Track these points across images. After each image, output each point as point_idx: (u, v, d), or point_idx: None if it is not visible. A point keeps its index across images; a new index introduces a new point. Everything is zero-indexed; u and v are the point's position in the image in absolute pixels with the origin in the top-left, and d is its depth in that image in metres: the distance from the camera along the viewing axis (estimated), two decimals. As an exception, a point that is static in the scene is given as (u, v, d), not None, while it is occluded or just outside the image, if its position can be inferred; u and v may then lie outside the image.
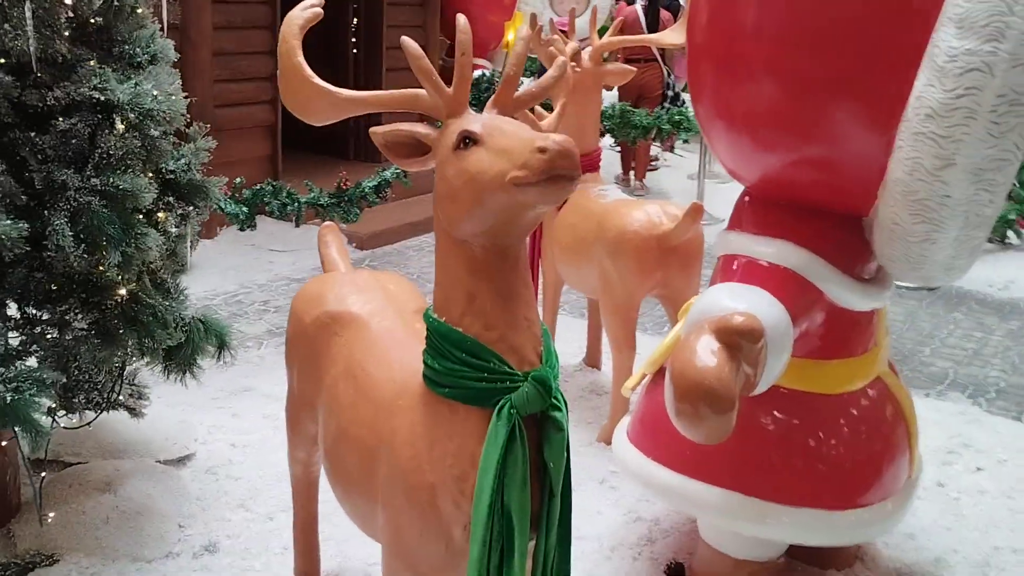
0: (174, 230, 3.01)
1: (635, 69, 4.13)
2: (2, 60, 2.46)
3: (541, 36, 3.64)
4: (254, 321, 5.29)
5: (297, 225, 4.43)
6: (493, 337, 1.77)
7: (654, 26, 8.51)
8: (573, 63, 3.69)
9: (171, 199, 2.89)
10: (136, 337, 2.74)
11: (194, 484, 3.38)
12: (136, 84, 2.66)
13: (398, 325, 2.28)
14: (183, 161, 2.88)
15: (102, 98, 2.60)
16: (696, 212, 3.37)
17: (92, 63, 2.67)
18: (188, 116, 2.89)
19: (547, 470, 1.79)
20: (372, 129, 1.88)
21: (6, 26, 2.46)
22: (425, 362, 1.86)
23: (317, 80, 1.93)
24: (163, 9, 4.84)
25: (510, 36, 8.59)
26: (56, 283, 2.65)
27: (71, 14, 2.59)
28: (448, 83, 1.83)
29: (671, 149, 6.18)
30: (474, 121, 1.77)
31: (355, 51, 8.27)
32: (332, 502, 2.37)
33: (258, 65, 7.14)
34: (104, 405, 2.97)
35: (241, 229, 4.17)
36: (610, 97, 7.93)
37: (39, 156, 2.55)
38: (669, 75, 8.61)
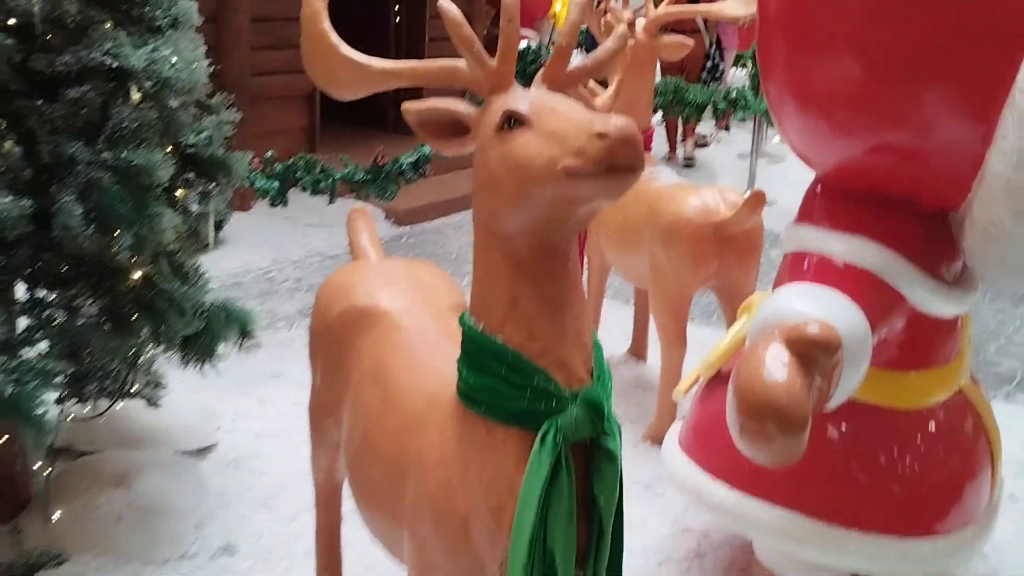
0: (195, 207, 2.81)
1: (692, 42, 3.84)
2: (5, 21, 2.25)
3: (594, 3, 3.37)
4: (286, 300, 5.09)
5: (332, 201, 4.21)
6: (537, 349, 1.54)
7: None
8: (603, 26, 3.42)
9: (191, 176, 2.68)
10: (151, 324, 2.54)
11: (214, 478, 3.19)
12: (154, 50, 2.45)
13: (431, 324, 2.06)
14: (204, 135, 2.67)
15: (116, 64, 2.39)
16: (758, 200, 3.11)
17: (106, 26, 2.45)
18: (213, 85, 2.67)
19: (596, 505, 1.56)
20: (405, 105, 1.65)
21: (9, -17, 2.26)
22: (460, 373, 1.63)
23: (345, 49, 1.70)
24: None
25: (558, 7, 8.29)
26: (64, 265, 2.45)
27: (83, -29, 2.38)
28: (493, 55, 1.60)
29: (727, 128, 5.88)
30: (521, 99, 1.53)
31: (397, 19, 8.02)
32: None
33: (298, 32, 6.88)
34: (118, 394, 2.78)
35: (272, 204, 3.97)
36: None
37: (47, 127, 2.35)
38: (711, 47, 8.28)
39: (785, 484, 2.35)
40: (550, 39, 9.06)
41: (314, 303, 2.34)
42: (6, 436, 2.66)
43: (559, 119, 1.44)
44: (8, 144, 2.28)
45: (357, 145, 7.37)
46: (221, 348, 2.85)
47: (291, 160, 4.02)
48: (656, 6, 3.74)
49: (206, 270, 2.79)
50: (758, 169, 7.29)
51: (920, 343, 2.34)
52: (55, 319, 2.53)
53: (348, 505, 2.54)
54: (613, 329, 4.51)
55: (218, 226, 5.03)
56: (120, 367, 2.72)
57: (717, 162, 8.84)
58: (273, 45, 6.72)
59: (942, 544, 2.34)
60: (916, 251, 2.24)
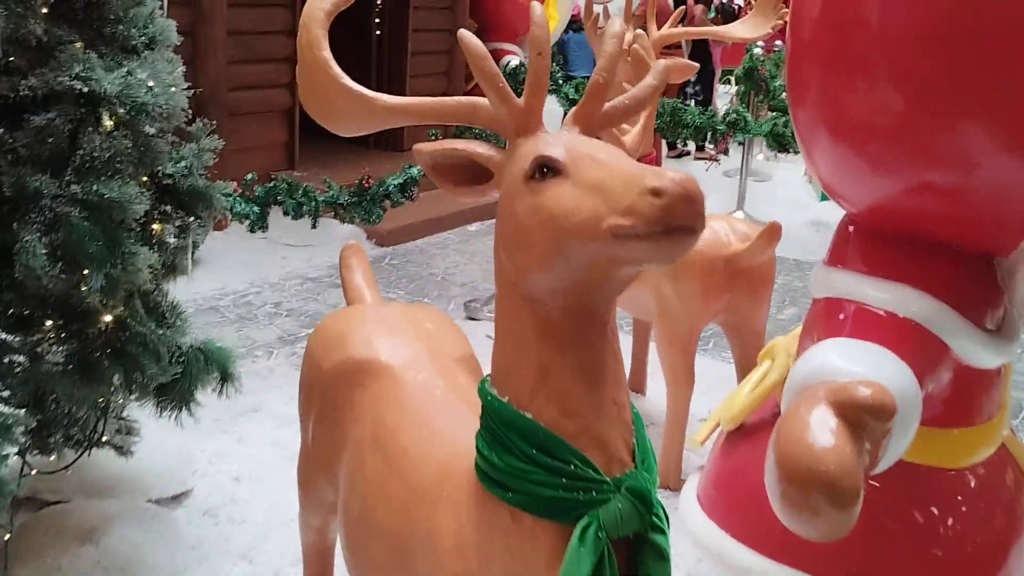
0: (172, 241, 2.59)
1: (697, 65, 3.67)
2: (-38, 41, 2.03)
3: (598, 25, 3.19)
4: (264, 326, 4.87)
5: (314, 226, 4.00)
6: (573, 428, 1.35)
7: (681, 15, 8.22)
8: (630, 58, 3.23)
9: (168, 208, 2.46)
10: (123, 371, 2.32)
11: (190, 529, 2.97)
12: (128, 73, 2.23)
13: (437, 380, 1.86)
14: (183, 164, 2.45)
15: (86, 89, 2.17)
16: (773, 233, 2.93)
17: (76, 46, 2.23)
18: (191, 110, 2.45)
19: (641, 608, 1.37)
20: (417, 147, 1.46)
21: (-33, -1, 2.04)
22: (479, 451, 1.43)
23: (347, 81, 1.51)
24: (169, -17, 4.41)
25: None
26: (27, 306, 2.23)
27: (49, -13, 2.16)
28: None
29: (725, 151, 5.72)
30: (554, 143, 1.33)
31: (379, 33, 7.81)
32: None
33: (276, 45, 6.71)
34: (86, 444, 2.55)
35: (251, 230, 3.74)
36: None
37: (8, 157, 2.13)
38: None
39: (819, 550, 2.13)
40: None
41: (305, 352, 2.13)
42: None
43: (603, 169, 1.25)
44: (-35, 176, 2.06)
45: (337, 162, 7.16)
46: (199, 394, 2.62)
47: (272, 183, 3.80)
48: (659, 28, 3.56)
49: (184, 309, 2.56)
50: (747, 189, 7.15)
51: (963, 398, 2.16)
52: (17, 366, 2.30)
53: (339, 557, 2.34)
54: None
55: (193, 246, 4.80)
56: (89, 415, 2.49)
57: (703, 181, 8.66)
58: (250, 59, 6.52)
59: (987, 611, 2.16)
60: (961, 299, 2.06)
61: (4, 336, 2.34)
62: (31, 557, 2.59)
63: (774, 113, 6.29)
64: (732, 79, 10.18)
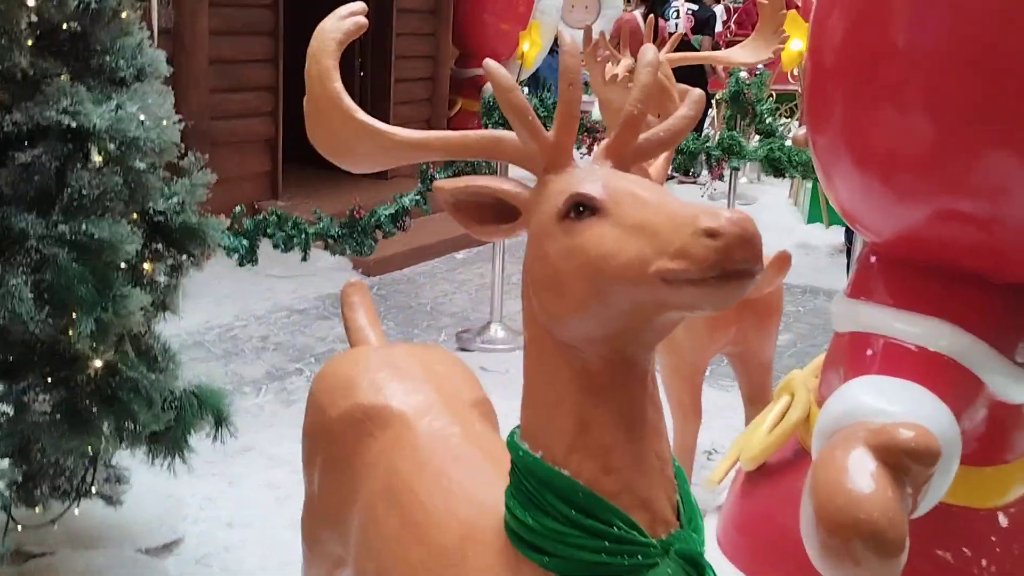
0: (163, 279, 2.47)
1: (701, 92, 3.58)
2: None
3: (597, 53, 3.11)
4: (252, 361, 4.74)
5: (305, 258, 3.89)
6: (615, 486, 1.25)
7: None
8: (631, 84, 3.14)
9: (160, 246, 2.35)
10: (113, 420, 2.20)
11: (182, 580, 2.84)
12: (117, 106, 2.13)
13: (453, 427, 1.76)
14: (175, 200, 2.34)
15: (74, 124, 2.07)
16: (783, 263, 2.85)
17: (62, 79, 2.13)
18: (183, 145, 2.34)
19: None
20: (437, 184, 1.36)
21: (-50, 33, 1.93)
22: (511, 510, 1.32)
23: (361, 115, 1.41)
24: (153, 12, 4.31)
25: (526, 46, 8.08)
26: (12, 353, 2.11)
27: (35, 18, 2.05)
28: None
29: (720, 177, 5.68)
30: (589, 180, 1.24)
31: (360, 60, 7.74)
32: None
33: (259, 74, 6.62)
34: (74, 495, 2.42)
35: (241, 264, 3.63)
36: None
37: (-8, 196, 2.02)
38: None
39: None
40: (517, 79, 8.85)
41: (309, 397, 2.02)
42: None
43: (647, 208, 1.16)
44: (-54, 217, 1.95)
45: (322, 191, 7.06)
46: (193, 439, 2.50)
47: (261, 216, 3.69)
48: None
49: (176, 352, 2.45)
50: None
51: (996, 435, 2.08)
52: (1, 416, 2.18)
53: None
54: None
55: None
56: (77, 465, 2.36)
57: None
58: (232, 88, 6.42)
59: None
60: (994, 332, 1.99)
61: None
62: (15, 616, 2.45)
63: (760, 137, 6.26)
64: (713, 103, 10.22)
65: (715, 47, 9.25)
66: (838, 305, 2.22)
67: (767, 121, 6.36)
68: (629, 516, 1.24)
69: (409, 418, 1.78)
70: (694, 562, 1.24)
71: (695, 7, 9.99)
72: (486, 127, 4.88)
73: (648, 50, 1.36)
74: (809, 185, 7.67)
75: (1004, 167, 1.87)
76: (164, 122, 2.23)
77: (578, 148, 5.21)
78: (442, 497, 1.57)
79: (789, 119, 9.55)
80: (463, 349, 5.01)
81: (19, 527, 2.38)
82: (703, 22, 9.82)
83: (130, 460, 2.72)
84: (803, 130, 5.92)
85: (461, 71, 8.79)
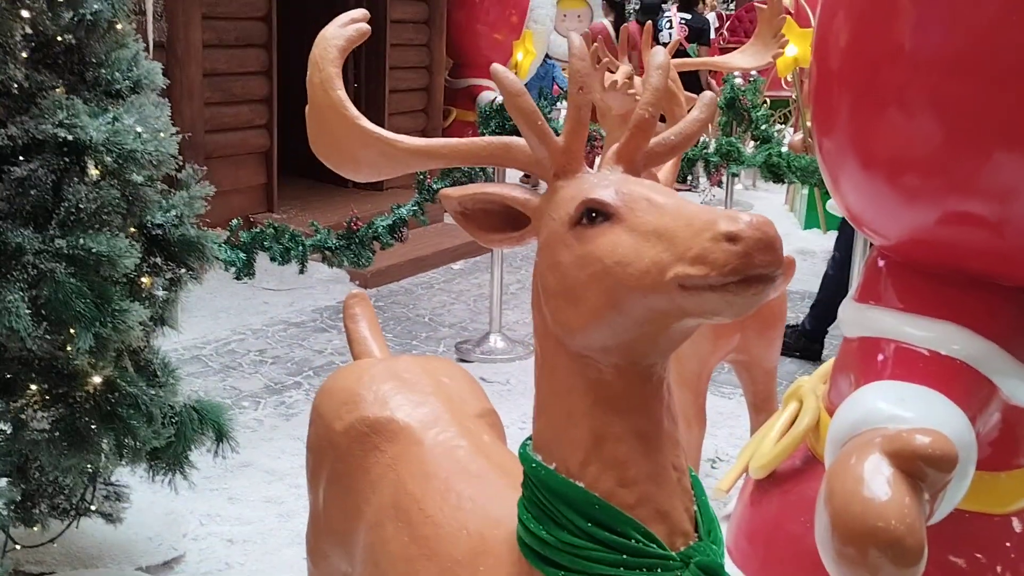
0: (161, 293, 2.44)
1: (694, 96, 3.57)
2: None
3: (597, 58, 3.09)
4: (249, 375, 4.71)
5: (302, 271, 3.86)
6: (631, 499, 1.22)
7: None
8: (632, 90, 3.14)
9: (158, 260, 2.31)
10: (113, 437, 2.16)
11: (184, 598, 2.80)
12: (114, 119, 2.11)
13: (460, 440, 1.73)
14: (173, 213, 2.31)
15: (70, 137, 2.04)
16: (787, 269, 2.82)
17: (58, 91, 2.10)
18: (180, 157, 2.32)
19: None
20: (444, 192, 1.33)
21: (-56, 45, 1.90)
22: (524, 524, 1.29)
23: (365, 123, 1.38)
24: (148, 25, 4.28)
25: (520, 56, 8.07)
26: (10, 370, 2.07)
27: (29, 30, 2.02)
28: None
29: (719, 183, 5.66)
30: (602, 185, 1.22)
31: (354, 71, 7.71)
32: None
33: (253, 86, 6.59)
34: (73, 514, 2.39)
35: (238, 278, 3.60)
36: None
37: (-12, 211, 1.99)
38: None
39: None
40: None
41: (312, 411, 1.99)
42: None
43: (663, 213, 1.13)
44: (-58, 232, 1.92)
45: (317, 203, 7.03)
46: (193, 455, 2.46)
47: (258, 228, 3.66)
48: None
49: (176, 366, 2.41)
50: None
51: (1010, 440, 2.05)
52: (-1, 433, 2.15)
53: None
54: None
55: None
56: (76, 483, 2.33)
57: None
58: (226, 100, 6.39)
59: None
60: (1006, 335, 1.96)
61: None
62: (14, 638, 2.41)
63: (756, 143, 6.24)
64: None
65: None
66: (846, 310, 2.19)
67: (763, 127, 6.34)
68: (647, 528, 1.21)
69: (416, 431, 1.75)
70: (714, 574, 1.21)
71: (688, 16, 10.01)
72: (482, 136, 4.84)
73: (659, 53, 1.34)
74: (805, 191, 7.66)
75: (1012, 168, 1.85)
76: (161, 134, 2.21)
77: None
78: (451, 511, 1.54)
79: (783, 125, 9.54)
80: (462, 360, 4.98)
81: (18, 546, 2.34)
82: (698, 31, 9.82)
83: (129, 477, 2.69)
84: (799, 136, 5.88)
85: (455, 81, 8.78)
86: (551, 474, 1.26)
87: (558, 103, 6.34)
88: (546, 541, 1.25)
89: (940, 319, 1.97)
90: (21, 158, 2.04)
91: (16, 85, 2.03)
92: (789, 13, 7.95)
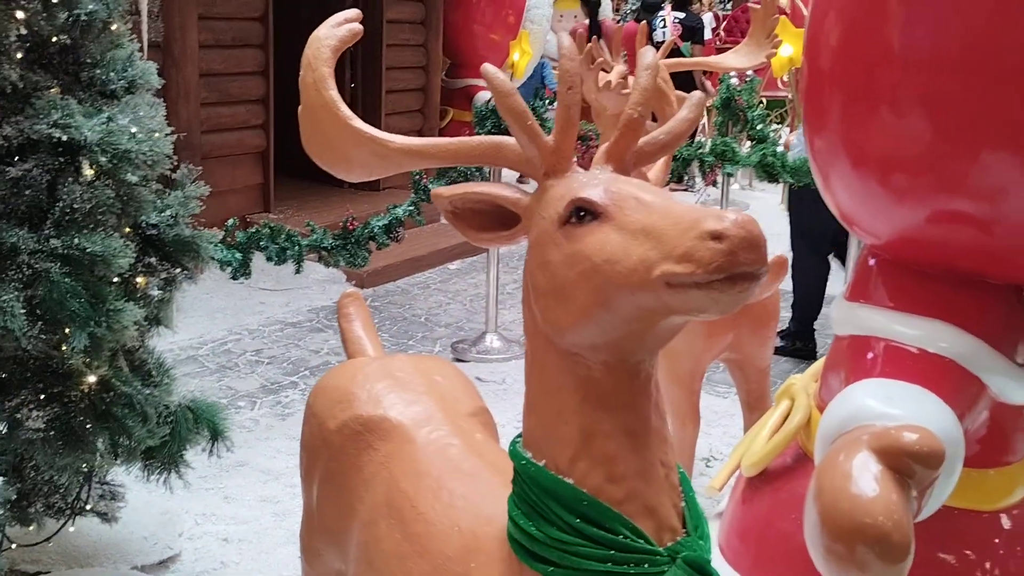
0: (156, 293, 2.45)
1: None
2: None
3: (592, 58, 3.10)
4: (246, 375, 4.72)
5: (299, 271, 3.87)
6: (620, 495, 1.23)
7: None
8: (626, 90, 3.15)
9: (153, 260, 2.32)
10: (108, 436, 2.17)
11: (179, 597, 2.81)
12: (109, 119, 2.12)
13: (453, 438, 1.74)
14: (168, 213, 2.32)
15: (65, 137, 2.05)
16: (780, 268, 2.84)
17: (53, 92, 2.11)
18: (175, 157, 2.32)
19: None
20: (435, 191, 1.35)
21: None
22: (514, 520, 1.31)
23: (357, 122, 1.40)
24: (143, 25, 4.29)
25: (516, 56, 8.08)
26: (5, 369, 2.08)
27: (24, 31, 2.03)
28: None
29: (714, 183, 5.67)
30: (591, 184, 1.23)
31: (351, 71, 7.73)
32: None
33: (249, 87, 6.60)
34: (69, 513, 2.39)
35: (235, 278, 3.61)
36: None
37: (-17, 211, 2.00)
38: None
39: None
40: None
41: (306, 410, 2.00)
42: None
43: (651, 211, 1.15)
44: (-63, 232, 1.93)
45: (313, 203, 7.05)
46: (188, 454, 2.47)
47: (254, 228, 3.67)
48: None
49: (171, 366, 2.43)
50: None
51: (998, 436, 2.06)
52: (-7, 433, 2.15)
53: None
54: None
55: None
56: (71, 482, 2.33)
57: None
58: (223, 100, 6.40)
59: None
60: (994, 333, 1.97)
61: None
62: (10, 636, 2.42)
63: (752, 143, 6.25)
64: (704, 110, 10.23)
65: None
66: (837, 309, 2.20)
67: (758, 127, 6.36)
68: (635, 524, 1.22)
69: (409, 429, 1.76)
70: (702, 570, 1.22)
71: (682, 15, 10.03)
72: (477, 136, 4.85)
73: (647, 53, 1.35)
74: (801, 191, 7.66)
75: (1001, 168, 1.86)
76: (156, 134, 2.21)
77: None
78: (444, 509, 1.56)
79: (779, 125, 9.56)
80: (459, 360, 5.00)
81: (14, 545, 2.35)
82: (692, 31, 9.84)
83: (125, 476, 2.70)
84: (795, 136, 5.89)
85: (452, 81, 8.80)
86: (540, 471, 1.27)
87: (554, 104, 6.36)
88: (535, 537, 1.26)
89: (929, 317, 1.98)
90: (16, 158, 2.05)
91: (11, 85, 2.03)
92: (784, 13, 7.98)
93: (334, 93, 1.42)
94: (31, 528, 2.48)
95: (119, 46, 2.34)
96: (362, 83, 7.78)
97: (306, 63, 1.44)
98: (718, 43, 11.21)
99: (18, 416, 2.13)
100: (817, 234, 5.24)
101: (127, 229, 2.23)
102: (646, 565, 1.21)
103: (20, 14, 2.00)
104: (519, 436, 1.36)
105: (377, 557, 1.62)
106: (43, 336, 2.03)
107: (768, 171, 4.65)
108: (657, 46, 3.29)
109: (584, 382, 1.24)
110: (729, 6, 14.81)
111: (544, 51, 9.74)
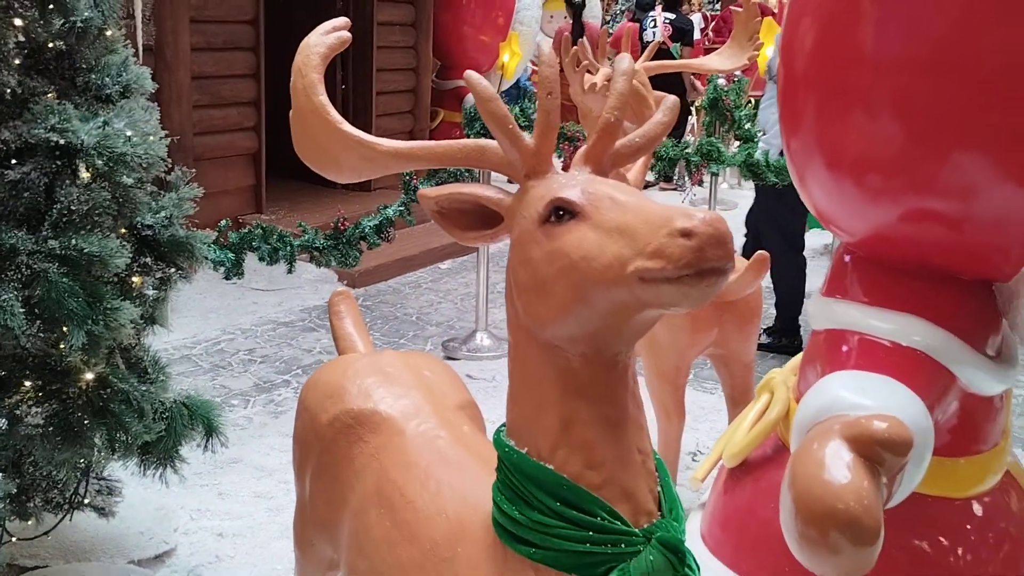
0: (151, 293, 2.50)
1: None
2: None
3: (577, 60, 3.16)
4: (239, 374, 4.77)
5: (291, 271, 3.92)
6: (598, 480, 1.29)
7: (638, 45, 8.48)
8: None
9: (148, 260, 2.38)
10: (105, 431, 2.23)
11: (174, 591, 2.86)
12: (104, 123, 2.17)
13: (441, 430, 1.80)
14: (163, 214, 2.38)
15: (62, 140, 2.10)
16: (762, 265, 2.91)
17: (50, 96, 2.17)
18: (169, 160, 2.38)
19: (676, 667, 1.31)
20: (422, 191, 1.41)
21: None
22: (498, 505, 1.37)
23: (346, 126, 1.46)
24: (137, 30, 4.34)
25: (506, 57, 8.14)
26: (4, 367, 2.14)
27: (22, 37, 2.09)
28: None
29: (700, 183, 5.74)
30: (569, 185, 1.29)
31: (342, 73, 7.78)
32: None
33: (241, 89, 6.65)
34: (67, 507, 2.45)
35: (227, 278, 3.66)
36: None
37: (-17, 213, 2.05)
38: None
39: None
40: (498, 90, 8.91)
41: (299, 404, 2.06)
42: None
43: (625, 210, 1.21)
44: (-62, 234, 1.98)
45: (305, 204, 7.10)
46: (184, 451, 2.53)
47: (247, 229, 3.73)
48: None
49: (167, 363, 2.48)
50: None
51: (969, 426, 2.13)
52: (-7, 430, 2.21)
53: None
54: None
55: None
56: (69, 477, 2.39)
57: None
58: (215, 103, 6.44)
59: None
60: (965, 327, 2.04)
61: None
62: (9, 629, 2.47)
63: (739, 142, 6.32)
64: (693, 110, 10.29)
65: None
66: (814, 304, 2.27)
67: (745, 127, 6.43)
68: (612, 507, 1.28)
69: (398, 422, 1.82)
70: (675, 549, 1.28)
71: (672, 16, 10.10)
72: (468, 138, 4.91)
73: (623, 59, 1.41)
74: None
75: (971, 167, 1.92)
76: (150, 138, 2.27)
77: (559, 156, 5.25)
78: (431, 497, 1.62)
79: (768, 125, 9.62)
80: (449, 358, 5.06)
81: (13, 539, 2.40)
82: (681, 31, 9.92)
83: (121, 472, 2.75)
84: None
85: (442, 83, 8.85)
86: (523, 458, 1.33)
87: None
88: (518, 521, 1.32)
89: (903, 312, 2.04)
90: (14, 161, 2.10)
91: (9, 91, 2.09)
92: (773, 14, 8.04)
93: (323, 98, 1.47)
94: (30, 522, 2.53)
95: (114, 51, 2.39)
96: (353, 85, 7.83)
97: (296, 69, 1.50)
98: (707, 44, 11.28)
99: (17, 412, 2.18)
100: (791, 230, 5.30)
101: (123, 230, 2.28)
102: (622, 545, 1.27)
103: (18, 21, 2.06)
104: (503, 425, 1.42)
105: (368, 544, 1.68)
106: (42, 334, 2.08)
107: (752, 170, 4.71)
108: (646, 47, 3.36)
109: (564, 373, 1.30)
110: (718, 7, 14.89)
111: (534, 52, 9.82)
